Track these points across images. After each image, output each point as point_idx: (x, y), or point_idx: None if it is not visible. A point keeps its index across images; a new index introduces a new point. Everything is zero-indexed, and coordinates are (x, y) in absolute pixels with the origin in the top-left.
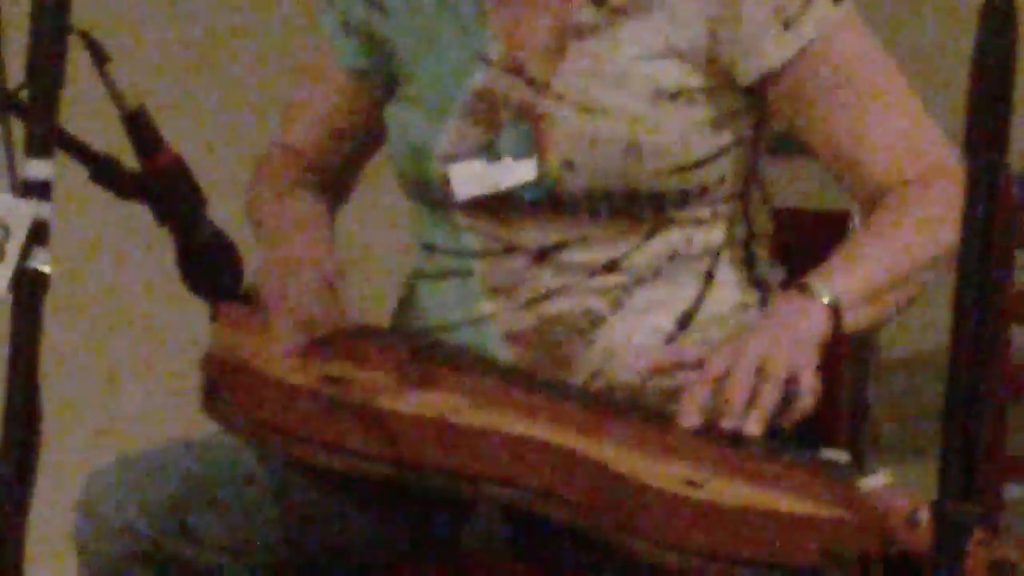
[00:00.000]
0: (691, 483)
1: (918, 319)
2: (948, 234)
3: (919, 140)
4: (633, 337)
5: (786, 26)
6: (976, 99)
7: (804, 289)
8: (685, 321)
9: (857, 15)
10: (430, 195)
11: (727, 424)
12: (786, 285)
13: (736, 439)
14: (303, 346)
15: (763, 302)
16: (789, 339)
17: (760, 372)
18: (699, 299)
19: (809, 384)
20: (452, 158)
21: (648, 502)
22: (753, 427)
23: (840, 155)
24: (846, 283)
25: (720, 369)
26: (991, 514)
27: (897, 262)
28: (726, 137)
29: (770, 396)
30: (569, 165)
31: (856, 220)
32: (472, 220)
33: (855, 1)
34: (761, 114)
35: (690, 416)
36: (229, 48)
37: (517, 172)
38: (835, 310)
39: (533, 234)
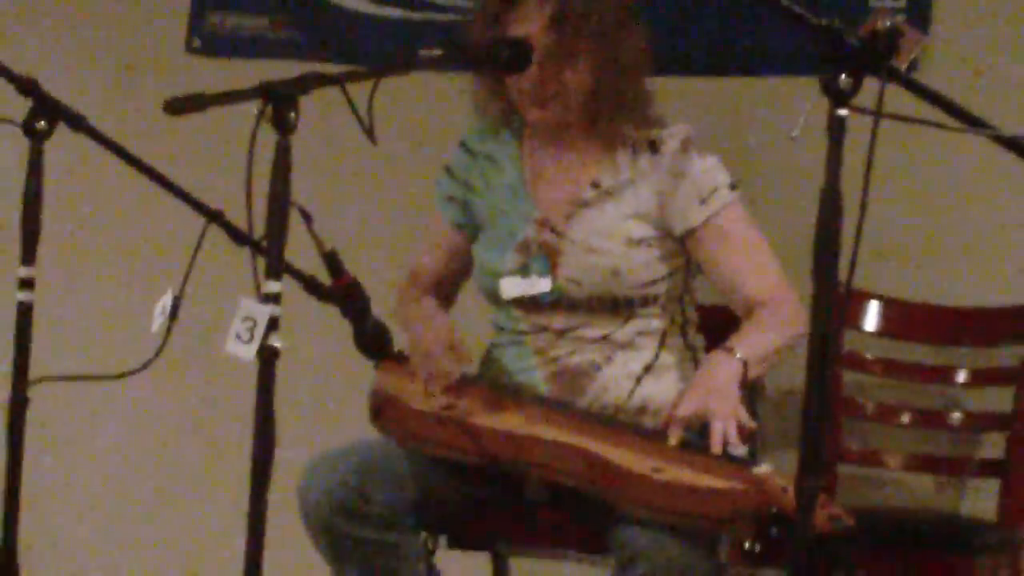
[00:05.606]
0: (656, 470)
1: (787, 369)
2: (798, 329)
3: (773, 275)
4: (618, 378)
5: (701, 202)
6: (817, 245)
7: (728, 351)
8: (647, 369)
9: (741, 199)
10: (497, 298)
11: (715, 451)
12: (709, 348)
13: (684, 443)
14: (438, 389)
15: (693, 359)
16: (728, 396)
17: (719, 416)
18: (655, 358)
19: (745, 418)
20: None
21: (630, 480)
22: (729, 449)
23: (728, 281)
24: (750, 350)
25: (690, 416)
26: (829, 485)
27: (773, 342)
28: (669, 266)
29: (732, 432)
30: (574, 282)
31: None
32: (520, 312)
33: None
34: (689, 253)
35: (676, 435)
36: (392, 214)
37: (540, 284)
38: (744, 364)
39: (554, 321)
